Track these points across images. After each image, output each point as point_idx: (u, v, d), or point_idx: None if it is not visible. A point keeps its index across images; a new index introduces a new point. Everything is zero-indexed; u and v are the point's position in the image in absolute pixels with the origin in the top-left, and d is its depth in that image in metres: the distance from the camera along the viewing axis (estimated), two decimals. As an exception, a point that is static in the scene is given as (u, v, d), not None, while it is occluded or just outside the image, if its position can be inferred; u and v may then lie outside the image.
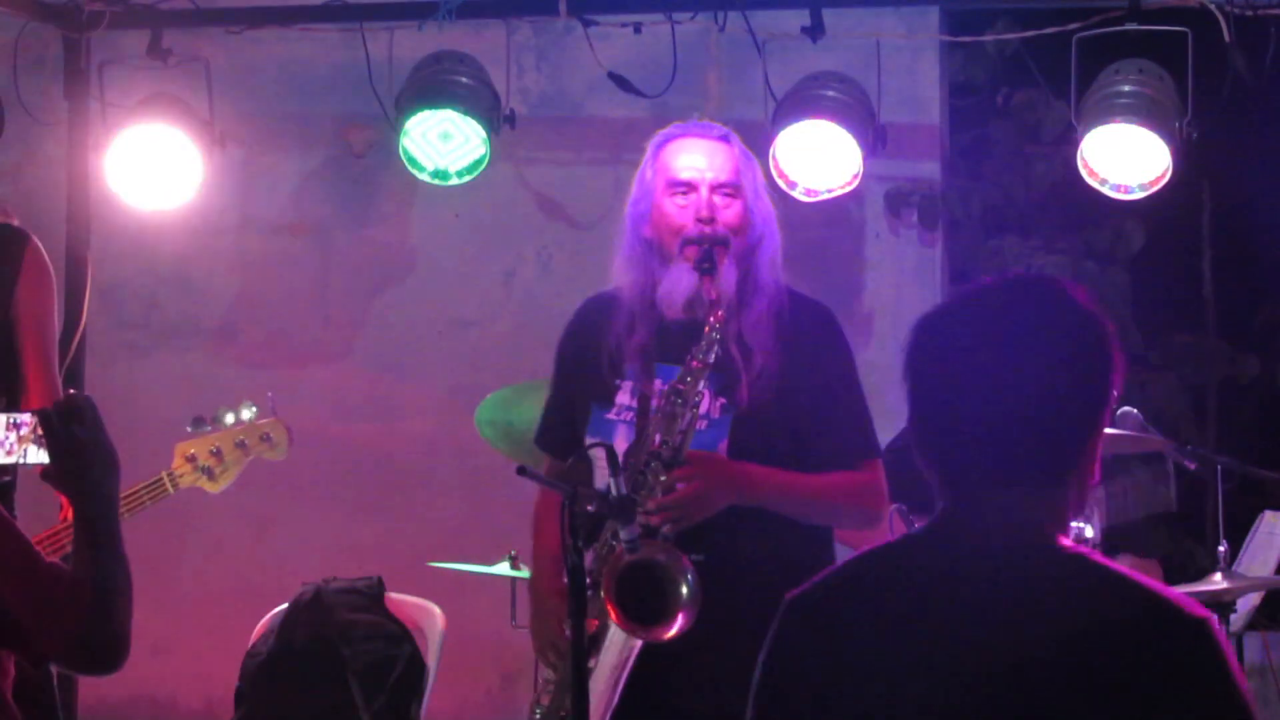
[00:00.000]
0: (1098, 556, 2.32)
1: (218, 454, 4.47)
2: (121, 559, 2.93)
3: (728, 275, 3.82)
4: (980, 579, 2.28)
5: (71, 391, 3.09)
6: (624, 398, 3.87)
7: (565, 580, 3.90)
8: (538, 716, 3.82)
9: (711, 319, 3.73)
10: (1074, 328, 2.31)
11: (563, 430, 4.02)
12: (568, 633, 3.76)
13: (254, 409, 4.53)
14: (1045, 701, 2.21)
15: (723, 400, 3.80)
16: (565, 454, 3.98)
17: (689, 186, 3.87)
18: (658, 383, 3.83)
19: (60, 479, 2.97)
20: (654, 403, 3.80)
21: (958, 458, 2.33)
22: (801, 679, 2.34)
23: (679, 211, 3.87)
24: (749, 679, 3.76)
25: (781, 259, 3.94)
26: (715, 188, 3.87)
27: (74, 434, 2.95)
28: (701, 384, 3.73)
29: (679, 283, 3.84)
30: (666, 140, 3.96)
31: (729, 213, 3.86)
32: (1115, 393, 2.34)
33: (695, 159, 3.90)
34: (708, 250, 3.79)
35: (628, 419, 3.85)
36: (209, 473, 4.48)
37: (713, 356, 3.73)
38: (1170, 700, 2.18)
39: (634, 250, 3.93)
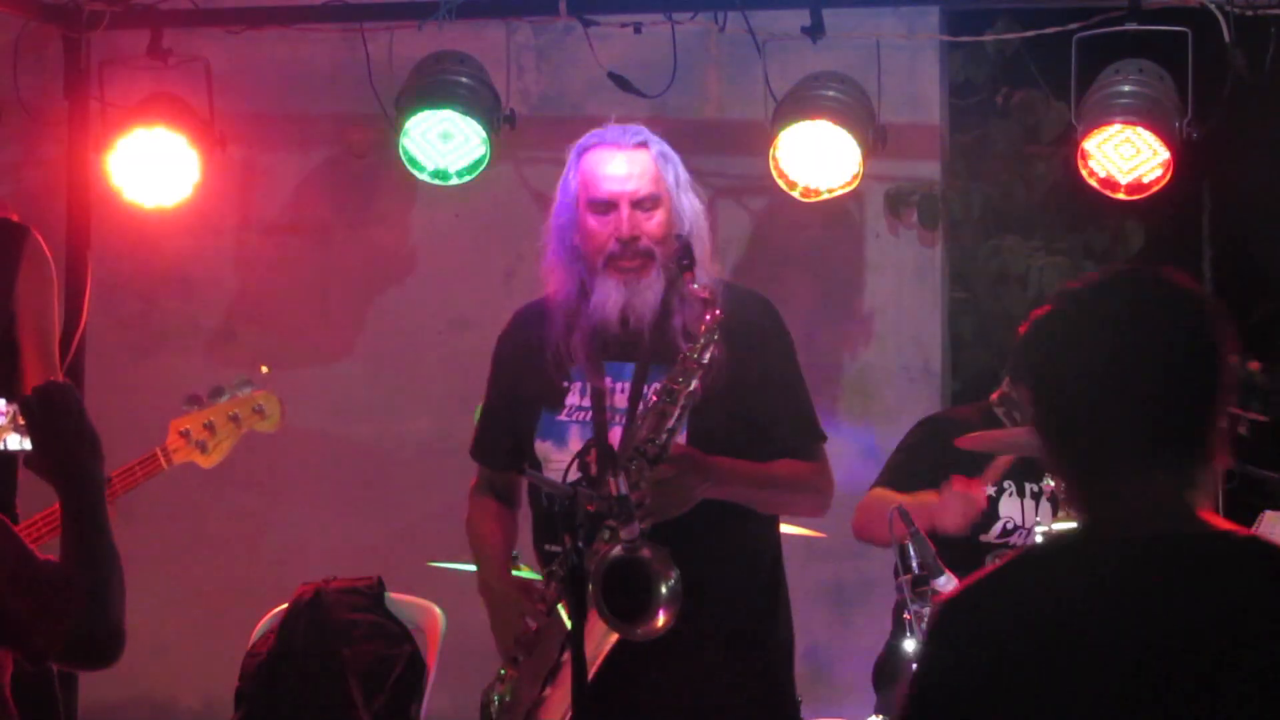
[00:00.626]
0: (1251, 532, 2.36)
1: (210, 428, 4.47)
2: (111, 549, 2.91)
3: (655, 285, 3.83)
4: (1140, 567, 2.30)
5: (51, 379, 3.06)
6: (574, 398, 3.88)
7: (516, 574, 3.95)
8: (495, 705, 3.83)
9: (708, 317, 3.74)
10: (1184, 312, 2.38)
11: (501, 440, 4.03)
12: (533, 626, 3.80)
13: (248, 383, 4.54)
14: (1213, 686, 2.23)
15: None
16: (502, 464, 3.98)
17: (608, 204, 3.87)
18: (608, 380, 3.84)
19: (44, 466, 2.95)
20: (613, 401, 3.82)
21: (1095, 452, 2.36)
22: (960, 680, 2.34)
23: (600, 228, 3.87)
24: (712, 666, 3.79)
25: (713, 250, 3.95)
26: (635, 203, 3.87)
27: (56, 420, 2.93)
28: (695, 384, 3.73)
29: (608, 296, 3.86)
30: (584, 150, 3.95)
31: (650, 224, 3.87)
32: (1230, 372, 2.38)
33: (614, 172, 3.89)
34: (685, 248, 3.78)
35: (580, 419, 3.86)
36: (202, 446, 4.48)
37: (708, 356, 3.73)
38: None
39: (561, 256, 3.94)
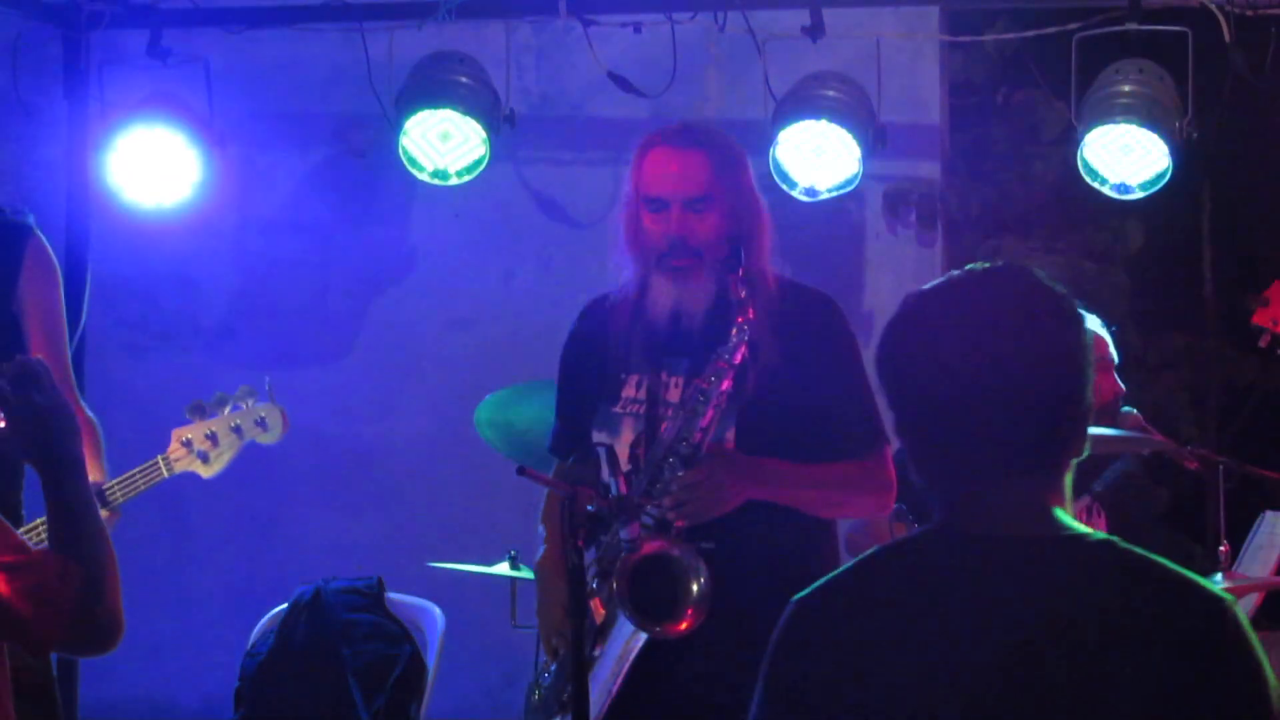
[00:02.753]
0: (1109, 538, 2.32)
1: (213, 438, 4.48)
2: (100, 530, 2.89)
3: (707, 287, 3.83)
4: (991, 568, 2.28)
5: (20, 356, 3.03)
6: (630, 391, 3.89)
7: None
8: (537, 698, 3.85)
9: (740, 319, 3.74)
10: (1047, 310, 2.31)
11: (571, 434, 4.04)
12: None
13: (252, 395, 4.54)
14: (1063, 687, 2.20)
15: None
16: (574, 456, 4.01)
17: (660, 203, 3.88)
18: (664, 374, 3.85)
19: (21, 447, 2.93)
20: (667, 395, 3.82)
21: (954, 453, 2.32)
22: (808, 682, 2.33)
23: (652, 228, 3.88)
24: (751, 667, 3.79)
25: (774, 251, 3.95)
26: (687, 203, 3.87)
27: (31, 399, 2.91)
28: (725, 383, 3.74)
29: (660, 296, 3.88)
30: (645, 148, 3.96)
31: (702, 226, 3.87)
32: (1093, 372, 2.33)
33: (667, 172, 3.88)
34: (735, 249, 3.78)
35: (634, 411, 3.87)
36: (204, 457, 4.48)
37: (739, 356, 3.74)
38: (1194, 682, 2.18)
39: (627, 249, 3.95)
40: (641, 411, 3.85)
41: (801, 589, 3.87)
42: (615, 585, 3.62)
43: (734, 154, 3.94)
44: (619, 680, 3.70)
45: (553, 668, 3.88)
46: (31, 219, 4.46)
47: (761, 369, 3.80)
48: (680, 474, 3.68)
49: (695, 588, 3.57)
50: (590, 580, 3.77)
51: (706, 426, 3.73)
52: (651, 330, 3.89)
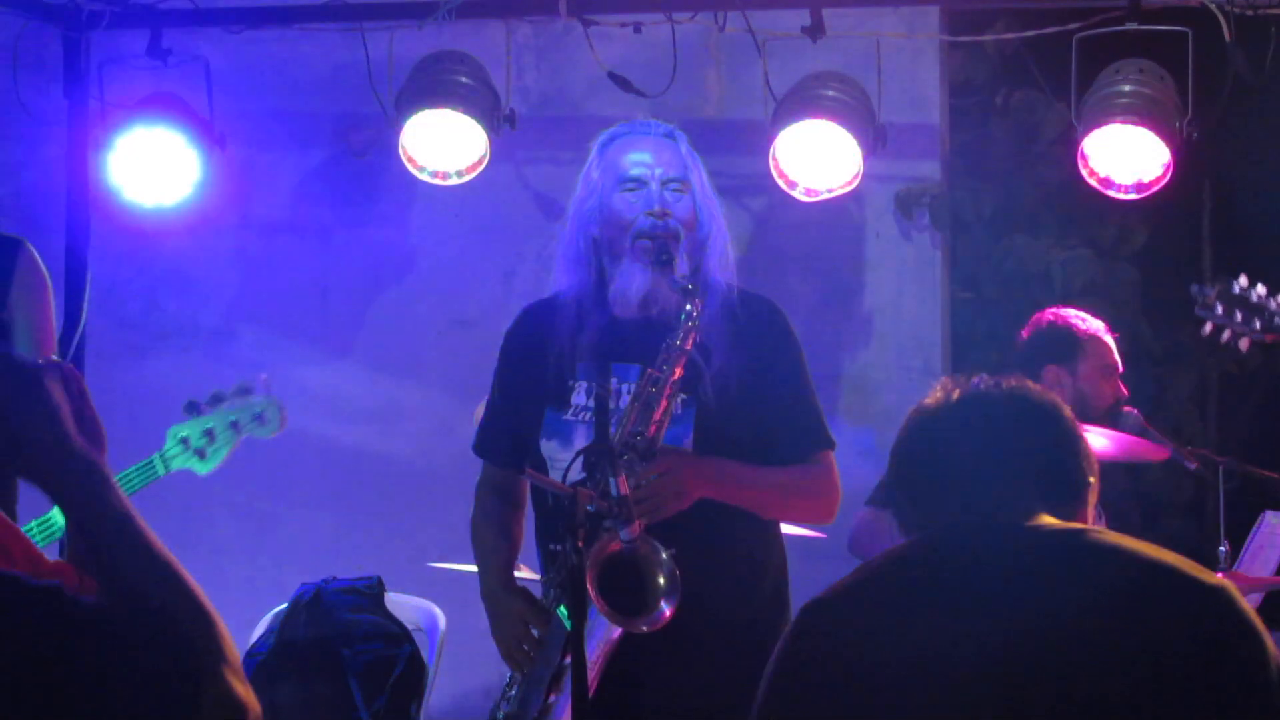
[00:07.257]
0: (1103, 532, 2.45)
1: (209, 434, 4.48)
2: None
3: (682, 268, 3.82)
4: (990, 563, 2.38)
5: (44, 359, 3.02)
6: (579, 398, 3.87)
7: (516, 579, 3.94)
8: (501, 717, 3.81)
9: (689, 306, 3.74)
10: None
11: (505, 438, 4.01)
12: (535, 632, 3.79)
13: (248, 390, 4.54)
14: (1062, 678, 2.27)
15: (684, 396, 3.81)
16: (506, 461, 3.97)
17: (638, 182, 3.87)
18: (614, 382, 3.83)
19: None
20: (620, 403, 3.80)
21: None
22: (816, 682, 2.39)
23: (629, 207, 3.87)
24: (715, 669, 3.79)
25: (731, 256, 3.96)
26: (665, 182, 3.88)
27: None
28: (678, 371, 3.72)
29: (633, 280, 3.85)
30: (612, 139, 3.97)
31: (679, 207, 3.88)
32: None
33: (643, 155, 3.90)
34: (663, 243, 3.80)
35: (586, 419, 3.85)
36: (200, 453, 4.48)
37: (690, 342, 3.73)
38: (1196, 669, 2.23)
39: (580, 250, 3.93)
40: (591, 419, 3.83)
41: (756, 592, 3.89)
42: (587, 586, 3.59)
43: (696, 154, 3.97)
44: (593, 685, 3.68)
45: (513, 692, 3.82)
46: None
47: (716, 374, 3.79)
48: (639, 469, 3.66)
49: (662, 581, 3.55)
50: (550, 594, 3.77)
51: (660, 418, 3.71)
52: (607, 331, 3.87)
